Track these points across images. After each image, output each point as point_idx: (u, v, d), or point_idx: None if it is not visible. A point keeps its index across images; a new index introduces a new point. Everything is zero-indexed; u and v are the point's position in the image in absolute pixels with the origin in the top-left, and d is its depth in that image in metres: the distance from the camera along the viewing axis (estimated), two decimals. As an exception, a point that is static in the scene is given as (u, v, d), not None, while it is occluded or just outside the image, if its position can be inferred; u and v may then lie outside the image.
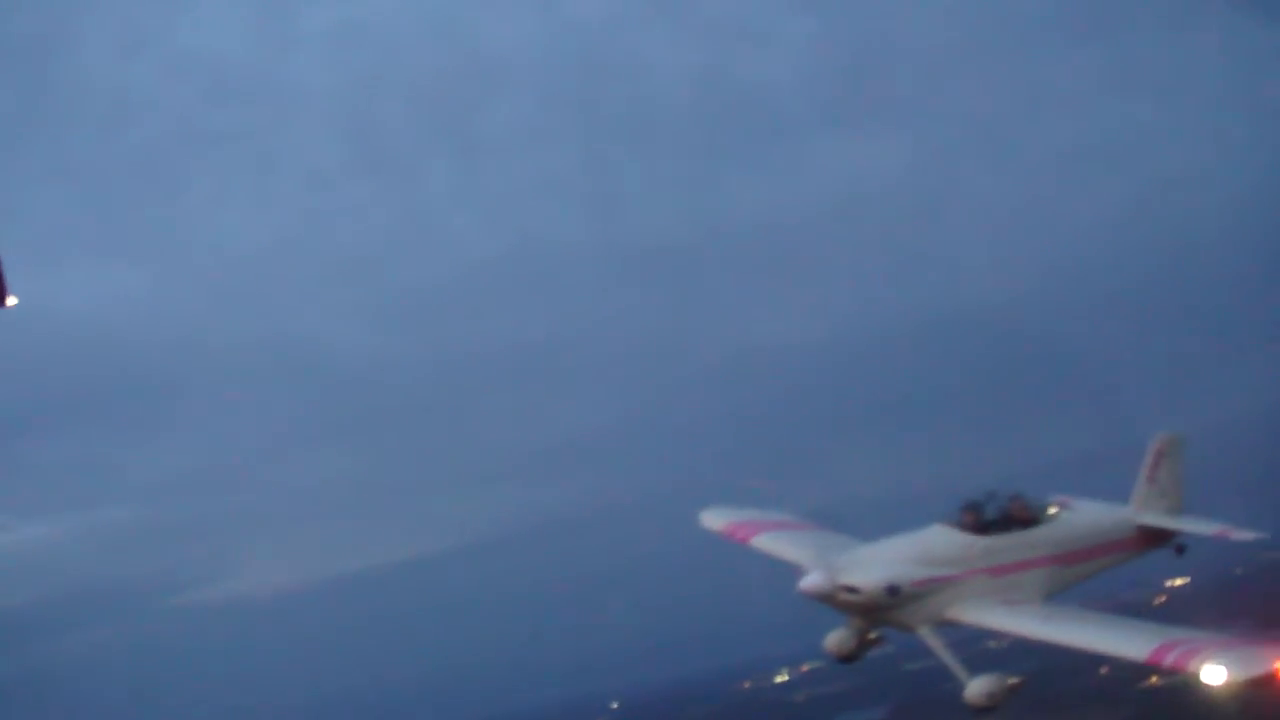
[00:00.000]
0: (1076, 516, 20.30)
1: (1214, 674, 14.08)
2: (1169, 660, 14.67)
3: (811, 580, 17.64)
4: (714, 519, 21.65)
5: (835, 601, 17.73)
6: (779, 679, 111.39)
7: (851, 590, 17.38)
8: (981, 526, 18.79)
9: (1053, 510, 19.83)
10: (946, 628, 18.13)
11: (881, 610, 17.90)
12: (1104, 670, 74.83)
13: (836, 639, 19.21)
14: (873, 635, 19.15)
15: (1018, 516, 19.25)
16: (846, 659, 19.34)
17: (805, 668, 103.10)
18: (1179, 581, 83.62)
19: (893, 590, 17.41)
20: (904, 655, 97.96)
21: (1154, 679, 70.31)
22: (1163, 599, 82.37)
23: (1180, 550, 21.65)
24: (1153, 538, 21.37)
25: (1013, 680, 17.39)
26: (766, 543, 20.16)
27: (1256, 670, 14.09)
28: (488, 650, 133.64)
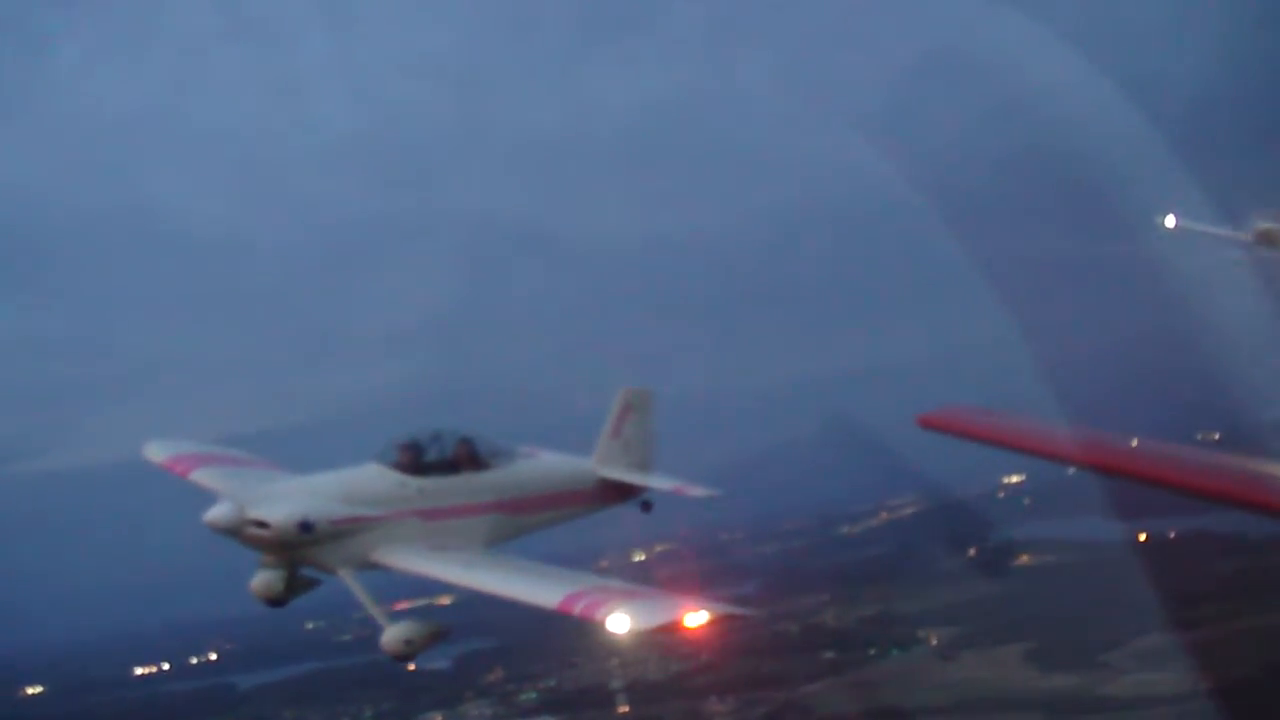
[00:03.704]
0: (529, 464, 19.53)
1: (618, 623, 13.82)
2: (578, 608, 14.24)
3: (217, 512, 16.11)
4: (156, 451, 20.15)
5: (244, 537, 16.22)
6: (636, 558, 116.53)
7: (261, 525, 16.04)
8: (419, 467, 17.88)
9: (506, 457, 19.07)
10: (371, 570, 16.99)
11: (295, 548, 16.58)
12: (973, 552, 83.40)
13: (263, 581, 17.58)
14: (305, 577, 17.67)
15: (463, 460, 18.37)
16: (275, 603, 17.74)
17: (658, 548, 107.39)
18: (1015, 479, 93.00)
19: (306, 526, 16.21)
20: (753, 539, 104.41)
21: (1025, 557, 79.35)
22: (1001, 494, 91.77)
23: (647, 507, 21.11)
24: (616, 492, 20.80)
25: (435, 628, 16.44)
26: (204, 476, 18.71)
27: (660, 620, 13.88)
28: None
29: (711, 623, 13.79)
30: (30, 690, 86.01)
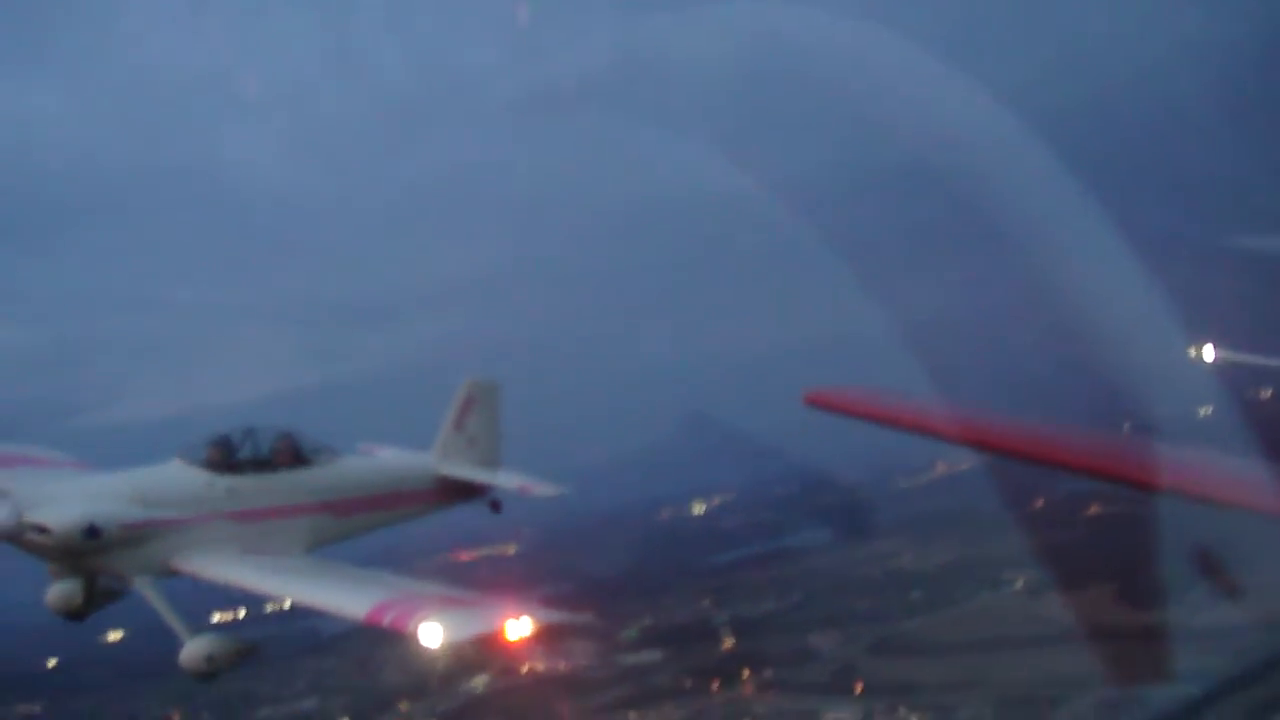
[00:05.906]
0: (360, 462, 18.71)
1: (430, 634, 12.91)
2: (387, 619, 13.26)
3: None
4: None
5: (24, 543, 14.82)
6: (695, 510, 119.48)
7: (41, 530, 14.60)
8: (229, 465, 16.57)
9: (330, 454, 17.95)
10: (174, 578, 15.70)
11: (82, 556, 15.15)
12: (1039, 503, 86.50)
13: (59, 594, 16.33)
14: (107, 587, 16.43)
15: (281, 458, 17.20)
16: (75, 616, 16.44)
17: (717, 500, 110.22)
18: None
19: (93, 531, 14.77)
20: (808, 491, 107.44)
21: (1094, 507, 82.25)
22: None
23: (496, 507, 20.29)
24: (457, 491, 19.89)
25: (241, 644, 15.12)
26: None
27: (476, 630, 13.16)
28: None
29: (535, 632, 13.05)
30: None
